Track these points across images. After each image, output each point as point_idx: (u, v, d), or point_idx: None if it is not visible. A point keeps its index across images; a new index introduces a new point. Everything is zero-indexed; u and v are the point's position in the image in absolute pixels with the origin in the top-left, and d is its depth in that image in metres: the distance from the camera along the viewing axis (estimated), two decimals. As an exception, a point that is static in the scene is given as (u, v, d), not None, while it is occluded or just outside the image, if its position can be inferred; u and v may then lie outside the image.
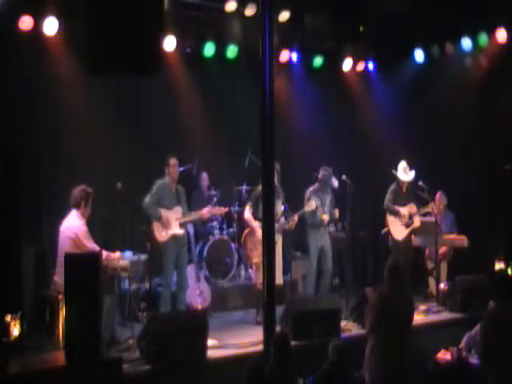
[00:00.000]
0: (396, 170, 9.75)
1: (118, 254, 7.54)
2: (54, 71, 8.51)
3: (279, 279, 8.31)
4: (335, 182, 9.30)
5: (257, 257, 8.07)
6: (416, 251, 10.07)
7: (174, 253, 8.41)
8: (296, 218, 8.72)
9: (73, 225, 7.27)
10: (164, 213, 8.37)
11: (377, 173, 10.93)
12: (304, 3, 9.52)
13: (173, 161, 8.55)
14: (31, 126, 8.48)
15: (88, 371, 6.19)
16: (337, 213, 9.36)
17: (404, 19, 9.77)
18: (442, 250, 9.87)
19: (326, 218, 9.21)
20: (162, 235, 8.37)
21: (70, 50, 8.39)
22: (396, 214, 9.65)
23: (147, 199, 8.38)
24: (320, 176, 9.28)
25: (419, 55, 10.82)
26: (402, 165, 9.74)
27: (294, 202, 9.09)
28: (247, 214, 8.75)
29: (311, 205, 8.90)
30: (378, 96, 11.16)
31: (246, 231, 8.82)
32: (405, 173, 9.74)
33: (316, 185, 9.32)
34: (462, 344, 7.33)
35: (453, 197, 10.18)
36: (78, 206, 7.34)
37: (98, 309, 6.41)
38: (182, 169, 8.95)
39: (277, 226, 7.97)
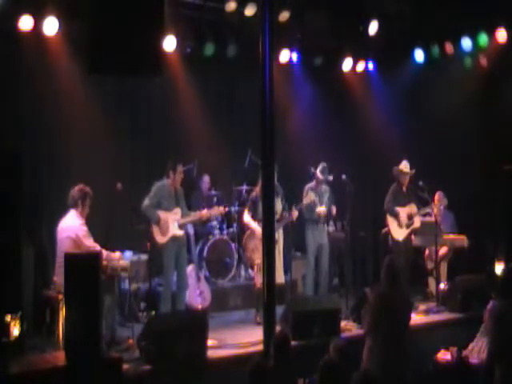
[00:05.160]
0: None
1: (118, 253, 7.55)
2: (54, 71, 8.50)
3: (281, 278, 8.33)
4: (330, 177, 9.31)
5: (259, 258, 8.07)
6: (416, 251, 10.08)
7: (173, 253, 8.39)
8: (296, 212, 8.75)
9: (73, 225, 7.27)
10: (163, 215, 8.34)
11: (377, 173, 10.93)
12: (304, 3, 9.52)
13: (180, 168, 8.50)
14: (31, 126, 8.47)
15: (88, 371, 6.18)
16: (334, 209, 9.37)
17: (404, 19, 9.77)
18: (442, 250, 9.88)
19: (323, 210, 9.22)
20: (160, 237, 8.35)
21: (70, 49, 8.39)
22: (396, 215, 9.65)
23: (146, 202, 8.34)
24: (317, 172, 9.29)
25: (419, 55, 10.82)
26: (403, 163, 9.74)
27: (294, 202, 9.08)
28: (246, 217, 8.79)
29: (309, 197, 8.94)
30: (378, 96, 11.15)
31: (247, 233, 8.83)
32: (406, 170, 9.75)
33: (313, 182, 9.34)
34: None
35: (453, 197, 10.18)
36: (75, 206, 7.35)
37: (97, 309, 6.41)
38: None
39: (277, 224, 8.03)
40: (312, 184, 9.33)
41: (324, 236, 9.39)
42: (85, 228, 7.30)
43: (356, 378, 5.03)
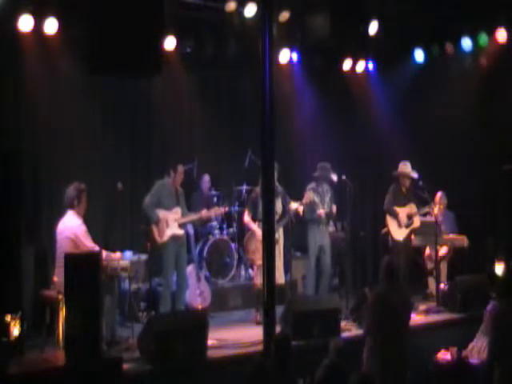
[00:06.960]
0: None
1: (118, 254, 7.55)
2: (54, 71, 8.50)
3: (281, 278, 8.32)
4: (334, 177, 9.29)
5: (260, 259, 8.07)
6: (416, 251, 10.08)
7: (173, 253, 8.40)
8: (301, 207, 8.79)
9: (72, 225, 7.26)
10: (163, 214, 8.35)
11: (377, 173, 10.93)
12: (304, 3, 9.52)
13: (181, 168, 8.52)
14: (31, 126, 8.47)
15: (88, 371, 6.19)
16: (334, 209, 9.37)
17: (404, 19, 9.77)
18: (442, 250, 9.88)
19: (323, 212, 9.21)
20: (160, 237, 8.35)
21: (70, 50, 8.38)
22: (395, 215, 9.65)
23: (147, 199, 8.37)
24: (318, 173, 9.29)
25: (419, 55, 10.81)
26: (406, 165, 9.71)
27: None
28: (246, 217, 8.78)
29: (308, 197, 8.94)
30: (378, 96, 11.14)
31: (248, 234, 8.81)
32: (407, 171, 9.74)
33: (314, 183, 9.33)
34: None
35: (453, 197, 10.18)
36: (72, 206, 7.32)
37: (97, 309, 6.42)
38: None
39: (277, 224, 8.03)
40: (313, 184, 9.32)
41: (325, 237, 9.36)
42: (84, 228, 7.29)
43: (354, 379, 5.04)
